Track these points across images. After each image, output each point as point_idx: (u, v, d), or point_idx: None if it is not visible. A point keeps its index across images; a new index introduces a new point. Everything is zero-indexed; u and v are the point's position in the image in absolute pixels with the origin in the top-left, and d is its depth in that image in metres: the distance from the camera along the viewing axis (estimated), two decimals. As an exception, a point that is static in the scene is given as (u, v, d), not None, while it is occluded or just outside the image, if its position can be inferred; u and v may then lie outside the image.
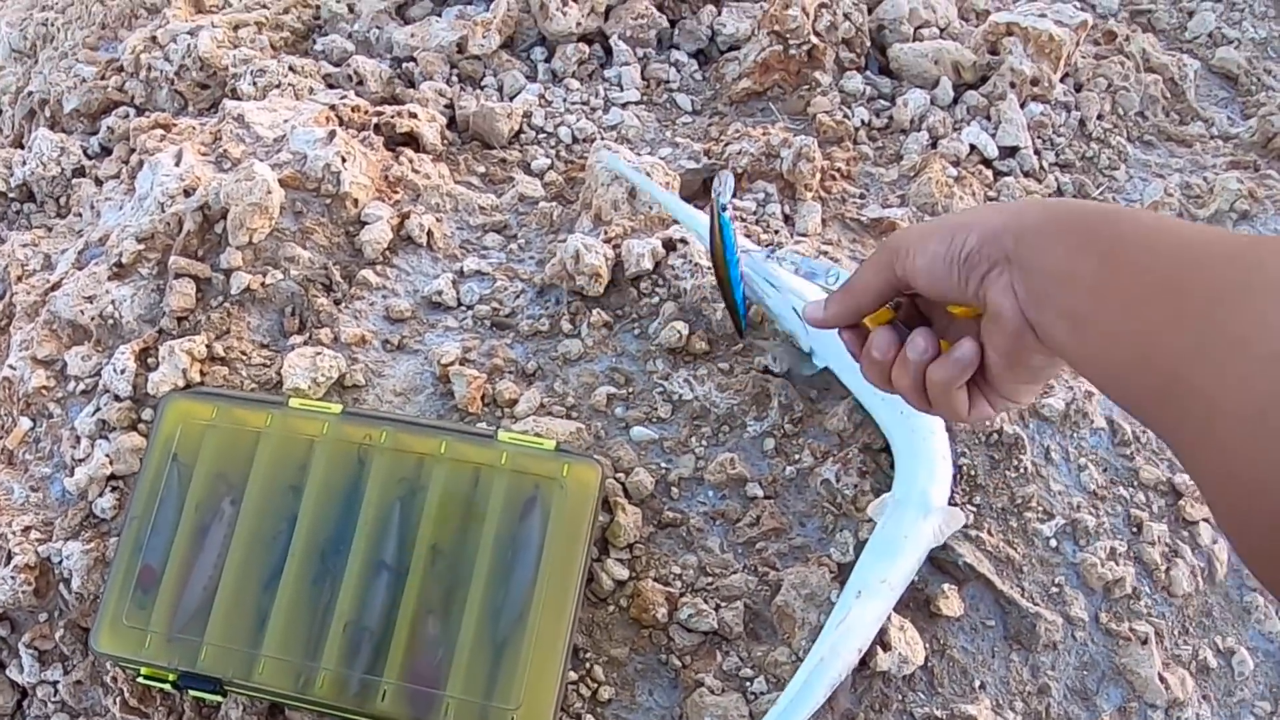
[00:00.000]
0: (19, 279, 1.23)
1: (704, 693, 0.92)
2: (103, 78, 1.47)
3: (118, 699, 0.97)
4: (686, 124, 1.38)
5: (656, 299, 1.13)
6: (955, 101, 1.38)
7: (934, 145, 1.33)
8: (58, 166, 1.39)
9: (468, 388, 1.05)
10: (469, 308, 1.15)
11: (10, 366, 1.13)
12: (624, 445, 1.04)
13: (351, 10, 1.52)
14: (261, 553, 0.92)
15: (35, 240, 1.30)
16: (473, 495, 0.93)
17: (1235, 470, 0.43)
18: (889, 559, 0.92)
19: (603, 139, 1.31)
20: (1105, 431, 1.08)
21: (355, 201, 1.19)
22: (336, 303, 1.14)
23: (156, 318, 1.12)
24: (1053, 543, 1.01)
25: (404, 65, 1.44)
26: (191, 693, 0.92)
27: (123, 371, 1.07)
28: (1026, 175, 1.32)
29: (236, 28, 1.47)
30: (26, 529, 1.03)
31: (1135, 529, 1.03)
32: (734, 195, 1.19)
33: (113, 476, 1.04)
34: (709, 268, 1.12)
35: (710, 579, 0.98)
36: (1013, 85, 1.36)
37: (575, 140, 1.35)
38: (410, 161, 1.27)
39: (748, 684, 0.93)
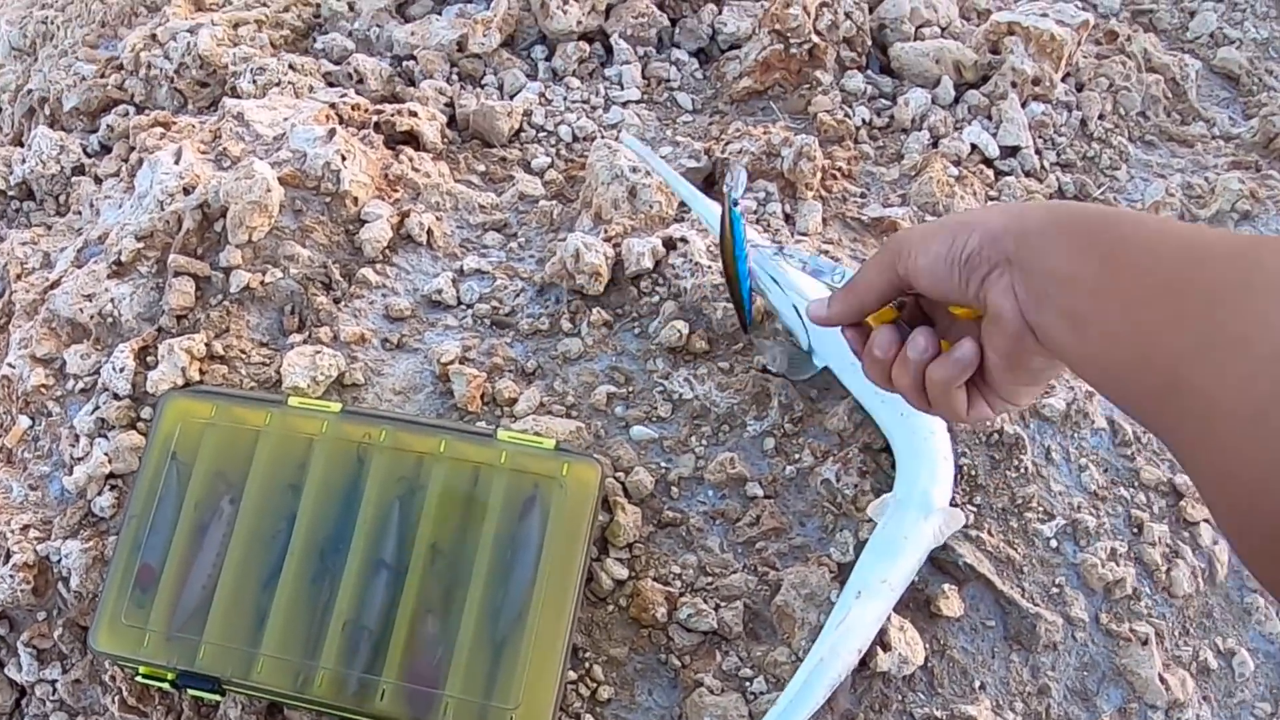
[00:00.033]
0: (18, 277, 1.23)
1: (703, 692, 0.91)
2: (102, 76, 1.47)
3: (116, 698, 0.97)
4: (687, 123, 1.38)
5: (657, 298, 1.12)
6: (956, 101, 1.37)
7: (935, 145, 1.33)
8: (57, 164, 1.39)
9: (467, 386, 1.05)
10: (469, 306, 1.15)
11: (9, 364, 1.13)
12: (624, 444, 1.03)
13: (351, 8, 1.51)
14: (260, 551, 0.92)
15: (35, 238, 1.30)
16: (472, 494, 0.93)
17: (1235, 470, 0.43)
18: (889, 559, 0.92)
19: (603, 137, 1.31)
20: (1106, 432, 1.08)
21: (355, 200, 1.19)
22: (336, 301, 1.13)
23: (156, 316, 1.12)
24: (1053, 543, 1.01)
25: (404, 63, 1.44)
26: (190, 692, 0.91)
27: (122, 370, 1.06)
28: (1028, 175, 1.32)
29: (236, 26, 1.47)
30: (25, 527, 1.03)
31: (1136, 529, 1.03)
32: (745, 190, 1.20)
33: (111, 475, 1.03)
34: (709, 266, 1.12)
35: (710, 579, 0.97)
36: (1014, 85, 1.36)
37: (575, 139, 1.35)
38: (410, 160, 1.27)
39: (747, 684, 0.92)
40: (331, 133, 1.21)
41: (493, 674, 0.87)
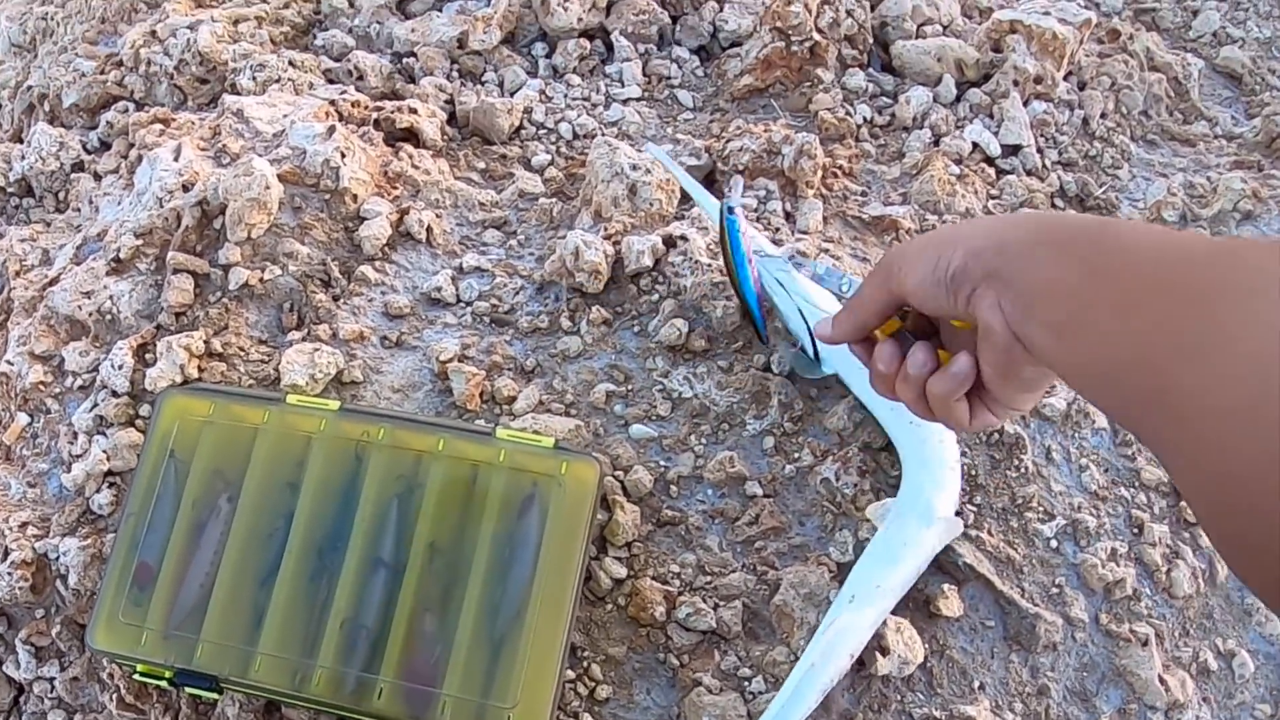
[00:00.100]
0: (17, 274, 1.23)
1: (702, 692, 0.91)
2: (102, 72, 1.47)
3: (114, 696, 0.96)
4: (688, 120, 1.38)
5: (656, 296, 1.12)
6: (958, 99, 1.37)
7: (936, 143, 1.32)
8: (56, 161, 1.39)
9: (466, 384, 1.05)
10: (468, 304, 1.14)
11: (8, 362, 1.13)
12: (623, 443, 1.03)
13: (352, 5, 1.51)
14: (258, 550, 0.92)
15: (34, 235, 1.29)
16: (471, 492, 0.92)
17: (1221, 469, 0.43)
18: (887, 566, 0.92)
19: (604, 135, 1.31)
20: (1106, 432, 1.08)
21: (354, 197, 1.18)
22: (335, 299, 1.13)
23: (154, 313, 1.12)
24: (1053, 543, 1.00)
25: (404, 60, 1.43)
26: (188, 690, 0.91)
27: (120, 367, 1.06)
28: (1029, 174, 1.32)
29: (236, 22, 1.46)
30: (23, 525, 1.03)
31: (1136, 530, 1.02)
32: (745, 190, 1.20)
33: (110, 473, 1.03)
34: (709, 264, 1.11)
35: (709, 578, 0.97)
36: (1016, 83, 1.35)
37: (576, 136, 1.35)
38: (410, 157, 1.27)
39: (746, 683, 0.92)
40: (331, 130, 1.20)
41: (491, 672, 0.87)
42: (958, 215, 1.24)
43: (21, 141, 1.48)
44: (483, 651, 0.87)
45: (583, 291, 1.13)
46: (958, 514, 0.99)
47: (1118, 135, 1.38)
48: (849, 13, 1.38)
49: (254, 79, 1.37)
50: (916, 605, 0.95)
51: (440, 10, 1.48)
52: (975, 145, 1.32)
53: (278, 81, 1.36)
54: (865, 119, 1.35)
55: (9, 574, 0.99)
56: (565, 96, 1.39)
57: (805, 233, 1.20)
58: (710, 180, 1.28)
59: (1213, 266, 0.47)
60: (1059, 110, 1.37)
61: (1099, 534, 1.01)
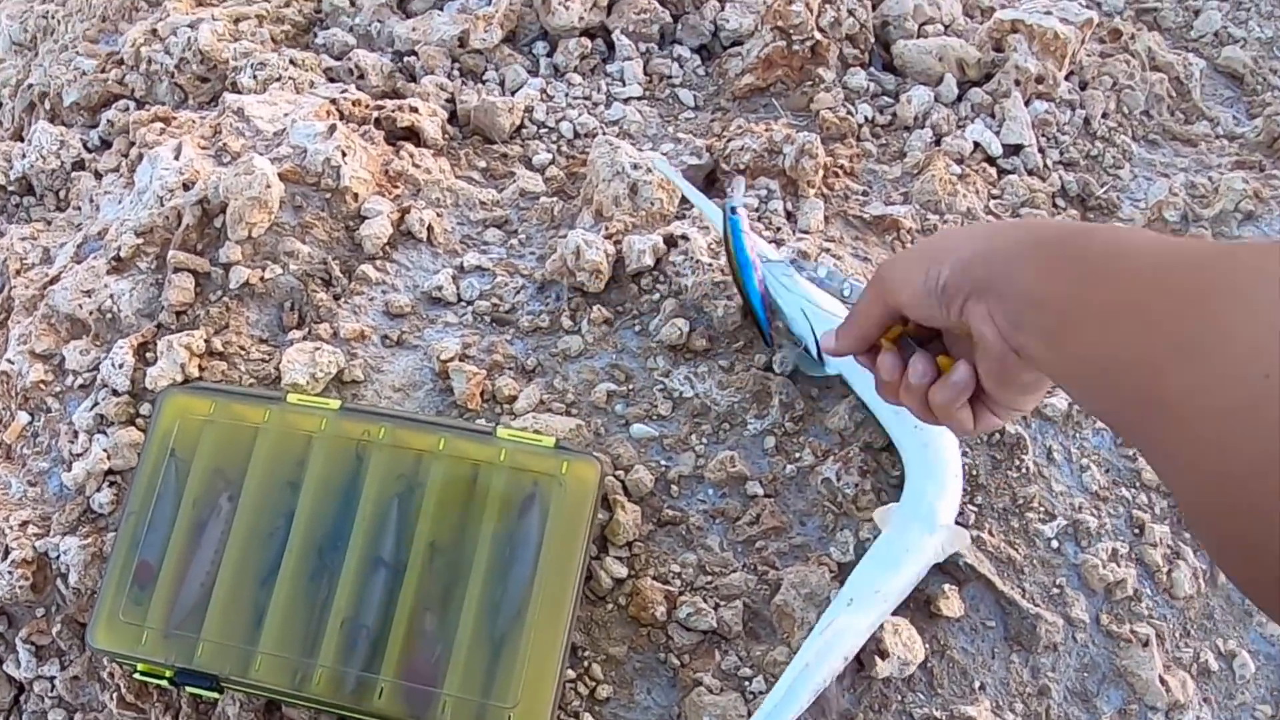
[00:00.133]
0: (17, 272, 1.23)
1: (702, 692, 0.91)
2: (103, 71, 1.46)
3: (115, 695, 0.96)
4: (689, 120, 1.38)
5: (657, 295, 1.12)
6: (959, 99, 1.37)
7: (938, 143, 1.32)
8: (57, 160, 1.39)
9: (467, 384, 1.05)
10: (469, 303, 1.14)
11: (8, 360, 1.13)
12: (624, 442, 1.03)
13: (353, 4, 1.51)
14: (259, 549, 0.92)
15: (34, 234, 1.29)
16: (471, 492, 0.92)
17: (1211, 471, 0.43)
18: (887, 571, 0.91)
19: (605, 134, 1.31)
20: (1107, 432, 1.07)
21: (355, 196, 1.18)
22: (336, 298, 1.13)
23: (155, 312, 1.12)
24: (1054, 543, 1.00)
25: (405, 59, 1.43)
26: (188, 689, 0.91)
27: (121, 366, 1.06)
28: (1030, 174, 1.32)
29: (237, 21, 1.46)
30: (24, 524, 1.03)
31: (1137, 530, 1.02)
32: (747, 190, 1.20)
33: (110, 471, 1.03)
34: (710, 264, 1.11)
35: (709, 578, 0.97)
36: (1017, 83, 1.35)
37: (577, 135, 1.35)
38: (411, 156, 1.27)
39: (746, 683, 0.92)
40: (332, 128, 1.20)
41: (491, 672, 0.87)
42: (959, 215, 1.23)
43: (22, 140, 1.48)
44: (483, 651, 0.87)
45: (584, 291, 1.13)
46: (958, 514, 0.99)
47: (1119, 135, 1.38)
48: (850, 12, 1.38)
49: (255, 77, 1.37)
50: (917, 605, 0.95)
51: (441, 9, 1.48)
52: (976, 145, 1.32)
53: (278, 80, 1.36)
54: (866, 118, 1.35)
55: (9, 573, 0.99)
56: (566, 95, 1.39)
57: (806, 232, 1.20)
58: (711, 180, 1.28)
59: (1202, 272, 0.47)
60: (1060, 110, 1.37)
61: (1100, 534, 1.01)
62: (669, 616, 0.95)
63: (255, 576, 0.91)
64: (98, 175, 1.36)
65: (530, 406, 1.05)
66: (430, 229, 1.19)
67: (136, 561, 0.92)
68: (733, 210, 1.00)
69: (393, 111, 1.30)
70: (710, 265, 1.11)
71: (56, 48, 1.60)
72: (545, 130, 1.35)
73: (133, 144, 1.33)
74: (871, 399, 1.01)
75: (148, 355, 1.08)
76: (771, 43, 1.36)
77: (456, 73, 1.42)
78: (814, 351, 1.02)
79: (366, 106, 1.31)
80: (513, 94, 1.39)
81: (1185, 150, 1.41)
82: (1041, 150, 1.34)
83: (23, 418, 1.11)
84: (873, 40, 1.41)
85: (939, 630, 0.95)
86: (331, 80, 1.40)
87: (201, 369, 1.07)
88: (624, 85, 1.40)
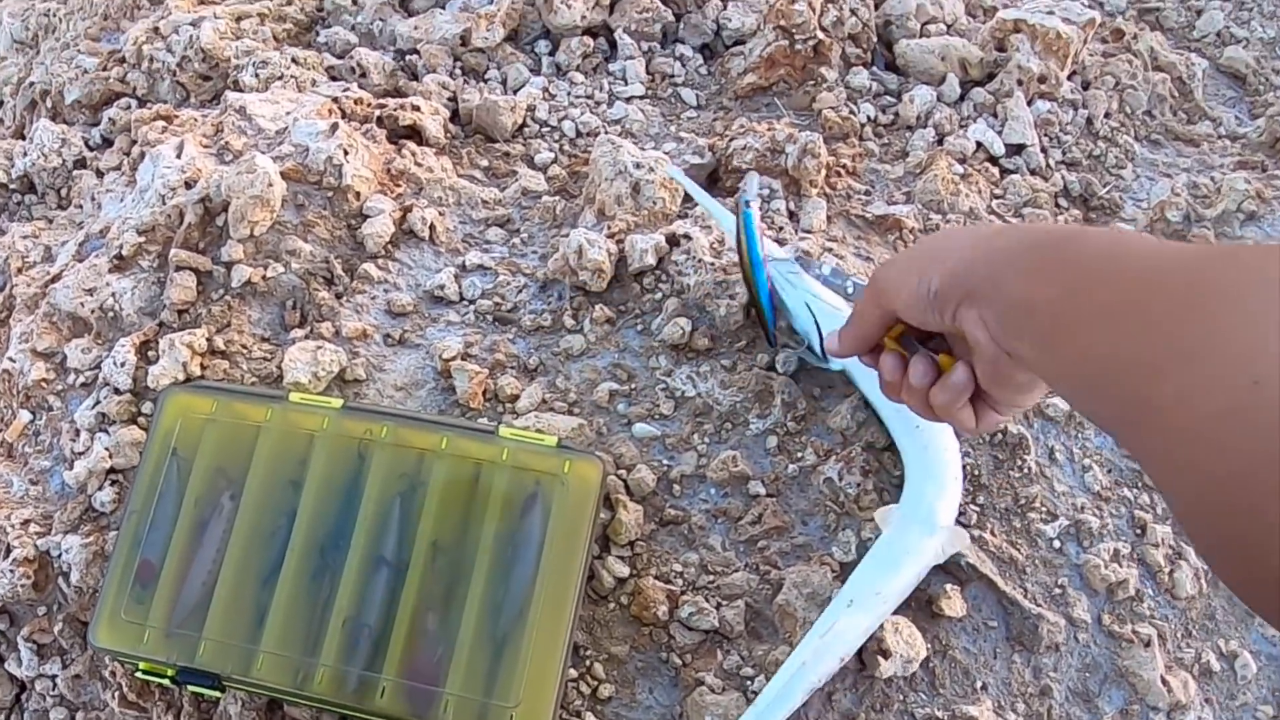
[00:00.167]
0: (19, 271, 1.23)
1: (704, 691, 0.91)
2: (104, 69, 1.46)
3: (116, 693, 0.96)
4: (691, 119, 1.38)
5: (660, 295, 1.12)
6: (962, 98, 1.37)
7: (940, 142, 1.32)
8: (59, 158, 1.39)
9: (469, 383, 1.05)
10: (471, 302, 1.14)
11: (10, 359, 1.13)
12: (626, 442, 1.03)
13: (355, 2, 1.51)
14: (261, 548, 0.92)
15: (36, 232, 1.29)
16: (473, 491, 0.92)
17: (1197, 481, 0.44)
18: (886, 572, 0.91)
19: (607, 133, 1.31)
20: (1110, 432, 1.07)
21: (357, 195, 1.18)
22: (338, 296, 1.13)
23: (157, 310, 1.12)
24: (1056, 544, 1.00)
25: (407, 58, 1.43)
26: (190, 688, 0.91)
27: (123, 364, 1.06)
28: (1033, 174, 1.32)
29: (239, 19, 1.46)
30: (25, 522, 1.03)
31: (1139, 531, 1.02)
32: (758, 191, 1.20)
33: (112, 470, 1.03)
34: (713, 263, 1.11)
35: (711, 577, 0.97)
36: (1020, 83, 1.35)
37: (579, 134, 1.35)
38: (413, 155, 1.26)
39: (748, 683, 0.92)
40: (334, 127, 1.20)
41: (493, 671, 0.87)
42: (962, 215, 1.23)
43: (24, 138, 1.48)
44: (485, 650, 0.87)
45: (586, 290, 1.13)
46: (959, 515, 0.99)
47: (1121, 135, 1.38)
48: (853, 11, 1.38)
49: (257, 76, 1.37)
50: (919, 605, 0.95)
51: (443, 7, 1.48)
52: (979, 145, 1.32)
53: (280, 78, 1.36)
54: (869, 118, 1.35)
55: (11, 571, 0.99)
56: (568, 94, 1.39)
57: (809, 232, 1.20)
58: (714, 179, 1.28)
59: (1186, 280, 0.48)
60: (1063, 110, 1.37)
61: (1102, 534, 1.01)
62: (671, 616, 0.95)
63: (257, 575, 0.91)
64: (99, 173, 1.36)
65: (532, 405, 1.05)
66: (432, 228, 1.19)
67: (138, 560, 0.92)
68: (747, 204, 0.99)
69: (395, 110, 1.30)
70: (713, 265, 1.11)
71: (58, 46, 1.59)
72: (547, 129, 1.35)
73: (134, 142, 1.33)
74: (874, 396, 1.01)
75: (149, 354, 1.08)
76: (774, 42, 1.36)
77: (458, 71, 1.42)
78: (818, 348, 1.02)
79: (368, 105, 1.31)
80: (515, 93, 1.39)
81: (1188, 150, 1.40)
82: (1044, 150, 1.34)
83: (24, 416, 1.11)
84: (875, 39, 1.41)
85: (941, 630, 0.95)
86: (333, 79, 1.40)
87: (203, 367, 1.07)
88: (626, 84, 1.40)
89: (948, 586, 0.95)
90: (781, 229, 1.19)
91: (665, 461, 1.03)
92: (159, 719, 0.96)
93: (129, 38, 1.46)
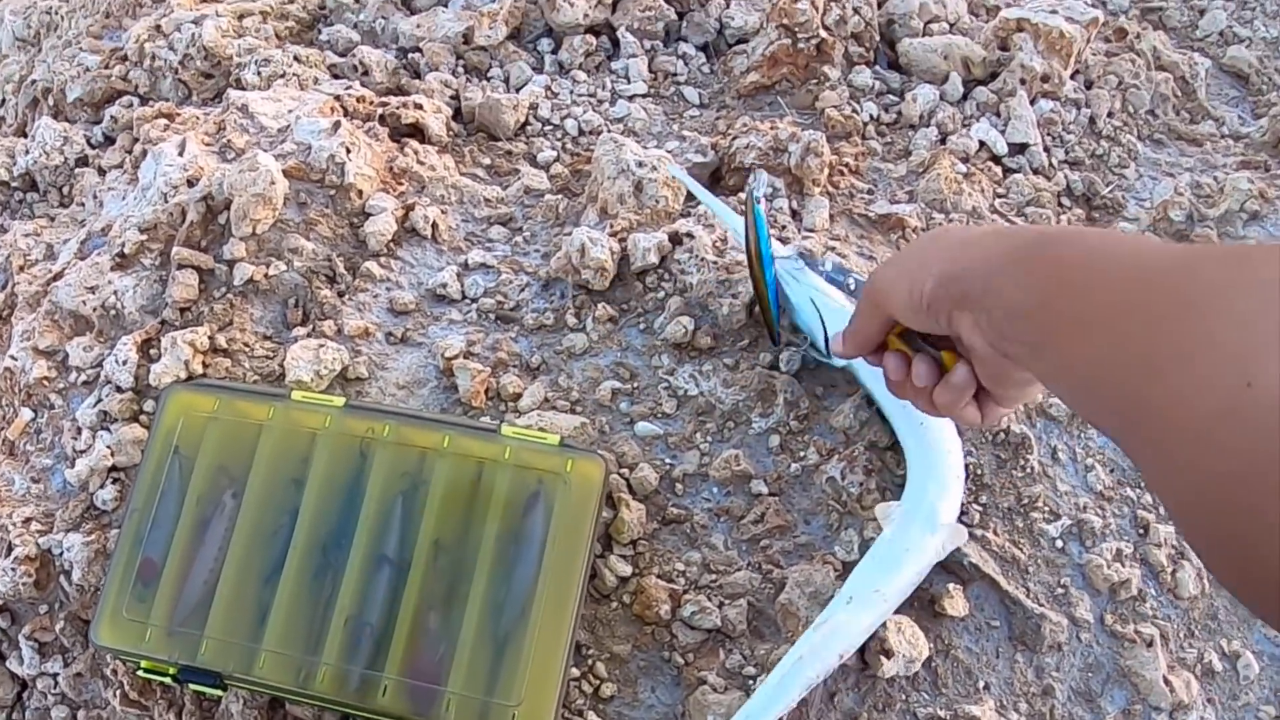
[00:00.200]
0: (21, 269, 1.23)
1: (706, 690, 0.91)
2: (106, 67, 1.46)
3: (118, 692, 0.96)
4: (694, 117, 1.38)
5: (662, 293, 1.12)
6: (965, 97, 1.37)
7: (943, 141, 1.32)
8: (61, 156, 1.39)
9: (472, 381, 1.05)
10: (473, 300, 1.14)
11: (11, 357, 1.13)
12: (628, 440, 1.03)
13: (357, 0, 1.51)
14: (263, 546, 0.92)
15: (38, 230, 1.29)
16: (475, 490, 0.92)
17: (1190, 484, 0.44)
18: (887, 571, 0.91)
19: (609, 131, 1.31)
20: (1113, 431, 1.07)
21: (359, 193, 1.18)
22: (340, 295, 1.13)
23: (159, 309, 1.11)
24: (1059, 543, 1.00)
25: (409, 56, 1.43)
26: (192, 686, 0.91)
27: (124, 363, 1.06)
28: (1036, 173, 1.31)
29: (241, 17, 1.46)
30: (27, 520, 1.03)
31: (1142, 530, 1.02)
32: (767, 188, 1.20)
33: (114, 468, 1.03)
34: (715, 261, 1.11)
35: (714, 576, 0.97)
36: (1023, 82, 1.35)
37: (582, 132, 1.34)
38: (415, 153, 1.26)
39: (750, 682, 0.92)
40: (336, 125, 1.20)
41: (495, 670, 0.87)
42: (964, 214, 1.23)
43: (25, 136, 1.47)
44: (487, 649, 0.87)
45: (588, 288, 1.12)
46: (962, 514, 0.99)
47: (1124, 134, 1.38)
48: (856, 10, 1.38)
49: (259, 74, 1.37)
50: (921, 605, 0.95)
51: (446, 5, 1.47)
52: (982, 144, 1.32)
53: (283, 76, 1.36)
54: (872, 116, 1.35)
55: (13, 569, 0.99)
56: (571, 93, 1.39)
57: (812, 230, 1.19)
58: (717, 177, 1.28)
59: (1171, 284, 0.48)
60: (1066, 109, 1.37)
61: (1104, 534, 1.01)
62: (673, 615, 0.95)
63: (259, 574, 0.91)
64: (101, 171, 1.36)
65: (535, 404, 1.05)
66: (435, 226, 1.19)
67: (140, 559, 0.92)
68: (756, 200, 0.99)
69: (397, 108, 1.30)
70: (715, 263, 1.11)
71: (60, 44, 1.59)
72: (550, 127, 1.35)
73: (136, 140, 1.33)
74: (878, 393, 1.01)
75: (151, 352, 1.08)
76: (777, 40, 1.36)
77: (461, 69, 1.42)
78: (823, 343, 1.02)
79: (371, 103, 1.31)
80: (517, 91, 1.39)
81: (1190, 150, 1.40)
82: (1047, 149, 1.34)
83: (26, 414, 1.11)
84: (878, 38, 1.41)
85: (943, 629, 0.95)
86: (336, 77, 1.40)
87: (205, 366, 1.06)
88: (629, 82, 1.40)
89: (950, 586, 0.95)
90: (784, 228, 1.19)
91: (668, 460, 1.03)
92: (160, 717, 0.96)
93: (131, 35, 1.45)
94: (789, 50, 1.36)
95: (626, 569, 0.96)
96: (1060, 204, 1.29)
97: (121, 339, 1.08)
